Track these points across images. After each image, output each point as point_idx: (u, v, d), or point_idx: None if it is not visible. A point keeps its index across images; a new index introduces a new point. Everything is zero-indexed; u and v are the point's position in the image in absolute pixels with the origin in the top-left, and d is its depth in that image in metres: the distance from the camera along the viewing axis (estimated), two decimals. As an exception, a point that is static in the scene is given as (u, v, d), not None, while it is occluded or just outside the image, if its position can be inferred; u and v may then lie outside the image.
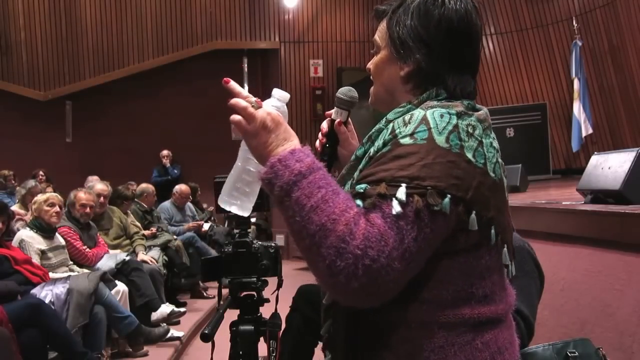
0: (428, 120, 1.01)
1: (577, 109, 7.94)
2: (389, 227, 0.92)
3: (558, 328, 2.66)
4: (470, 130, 1.02)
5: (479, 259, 1.04)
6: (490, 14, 8.80)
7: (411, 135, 1.00)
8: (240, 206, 1.12)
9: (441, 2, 1.10)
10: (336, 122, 1.29)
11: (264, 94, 1.02)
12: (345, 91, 1.28)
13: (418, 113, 1.03)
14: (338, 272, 0.89)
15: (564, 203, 3.34)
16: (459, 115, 1.03)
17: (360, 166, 1.08)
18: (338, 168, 1.32)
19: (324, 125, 1.30)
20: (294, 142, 1.02)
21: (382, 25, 1.17)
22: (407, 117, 1.04)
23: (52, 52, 8.90)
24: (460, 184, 0.98)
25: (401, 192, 0.94)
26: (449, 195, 0.96)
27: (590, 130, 7.95)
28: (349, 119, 1.32)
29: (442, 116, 1.01)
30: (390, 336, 1.03)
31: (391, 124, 1.05)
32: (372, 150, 1.07)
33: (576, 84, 8.00)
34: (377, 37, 1.19)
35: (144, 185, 6.14)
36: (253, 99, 1.04)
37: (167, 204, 6.71)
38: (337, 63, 9.39)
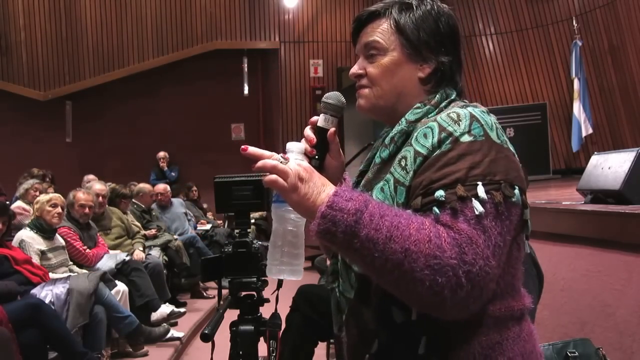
0: (477, 117, 1.03)
1: (577, 109, 7.94)
2: (474, 228, 0.93)
3: (558, 328, 2.66)
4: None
5: (519, 250, 1.07)
6: (490, 14, 8.81)
7: (469, 132, 1.01)
8: (291, 270, 1.06)
9: (447, 12, 1.17)
10: (330, 131, 1.15)
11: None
12: (336, 96, 1.16)
13: (463, 111, 1.04)
14: (442, 288, 0.89)
15: (564, 203, 3.33)
16: (487, 114, 1.07)
17: (414, 167, 1.03)
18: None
19: (310, 134, 1.14)
20: (330, 185, 0.98)
21: (383, 27, 1.15)
22: (452, 115, 1.04)
23: (52, 52, 8.89)
24: (520, 176, 1.03)
25: (481, 191, 0.96)
26: (517, 187, 1.00)
27: (590, 130, 7.95)
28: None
29: (482, 114, 1.05)
30: (453, 338, 1.01)
31: (434, 123, 1.03)
32: (419, 149, 1.03)
33: (576, 84, 8.00)
34: (378, 38, 1.15)
35: (141, 185, 6.17)
36: (277, 155, 1.01)
37: None
38: (337, 63, 9.37)
